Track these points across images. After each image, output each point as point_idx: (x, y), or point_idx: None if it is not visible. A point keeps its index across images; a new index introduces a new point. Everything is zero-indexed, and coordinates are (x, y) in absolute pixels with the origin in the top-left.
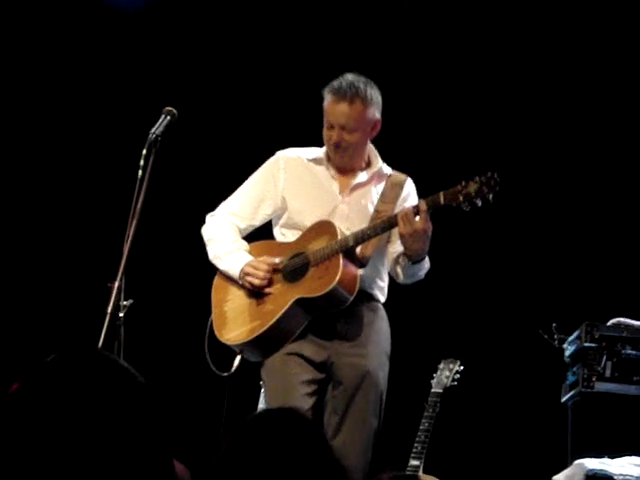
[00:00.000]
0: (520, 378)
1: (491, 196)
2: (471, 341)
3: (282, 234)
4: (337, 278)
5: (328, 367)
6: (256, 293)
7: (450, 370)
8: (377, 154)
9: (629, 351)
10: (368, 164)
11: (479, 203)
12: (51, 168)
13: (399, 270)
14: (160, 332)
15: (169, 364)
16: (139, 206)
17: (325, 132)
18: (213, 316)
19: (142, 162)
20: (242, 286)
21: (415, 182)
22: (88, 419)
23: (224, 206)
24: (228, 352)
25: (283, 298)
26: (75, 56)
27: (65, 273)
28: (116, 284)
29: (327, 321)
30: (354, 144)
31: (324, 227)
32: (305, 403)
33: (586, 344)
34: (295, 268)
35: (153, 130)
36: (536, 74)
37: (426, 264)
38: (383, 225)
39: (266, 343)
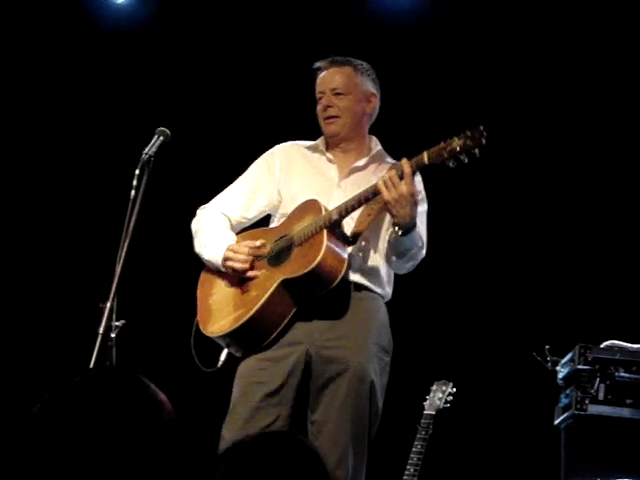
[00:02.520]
0: (513, 400)
1: (477, 151)
2: (464, 363)
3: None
4: (321, 253)
5: (307, 361)
6: (241, 281)
7: (443, 392)
8: (377, 142)
9: (622, 374)
10: (369, 152)
11: (465, 159)
12: (44, 188)
13: (390, 251)
14: (152, 353)
15: (162, 385)
16: (131, 226)
17: (317, 108)
18: (198, 311)
19: (135, 182)
20: (227, 276)
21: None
22: (110, 441)
23: (216, 198)
24: (216, 350)
25: (268, 282)
26: (68, 76)
27: (57, 294)
28: (108, 305)
29: (310, 311)
30: (345, 110)
31: (309, 206)
32: (271, 415)
33: (579, 366)
34: (279, 251)
35: (146, 150)
36: (533, 62)
37: (418, 240)
38: (366, 194)
39: (252, 332)
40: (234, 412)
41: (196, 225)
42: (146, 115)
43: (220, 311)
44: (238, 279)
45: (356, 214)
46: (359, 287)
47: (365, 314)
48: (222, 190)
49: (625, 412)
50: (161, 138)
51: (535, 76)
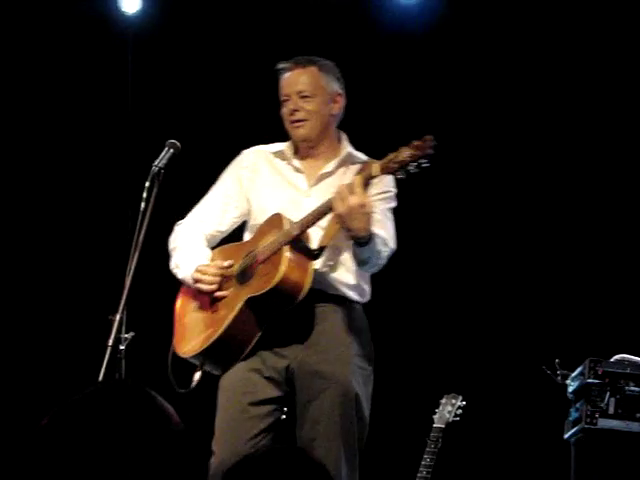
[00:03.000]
0: (523, 414)
1: (424, 162)
2: (473, 376)
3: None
4: (281, 271)
5: (289, 377)
6: (212, 300)
7: (452, 405)
8: (346, 140)
9: (633, 388)
10: (337, 154)
11: (413, 170)
12: (54, 200)
13: (353, 259)
14: (161, 365)
15: (170, 397)
16: (141, 238)
17: (282, 111)
18: (174, 332)
19: (145, 194)
20: (200, 296)
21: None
22: (118, 453)
23: (191, 213)
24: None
25: (235, 301)
26: (78, 88)
27: (66, 306)
28: (117, 317)
29: (287, 327)
30: (312, 113)
31: (273, 220)
32: (255, 427)
33: (589, 380)
34: (245, 268)
35: (156, 162)
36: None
37: (378, 247)
38: (323, 208)
39: (222, 351)
40: (220, 425)
41: (172, 243)
42: (156, 127)
43: (192, 331)
44: (210, 298)
45: (325, 223)
46: (335, 298)
47: (344, 325)
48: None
49: (635, 426)
50: (171, 150)
51: (529, 75)
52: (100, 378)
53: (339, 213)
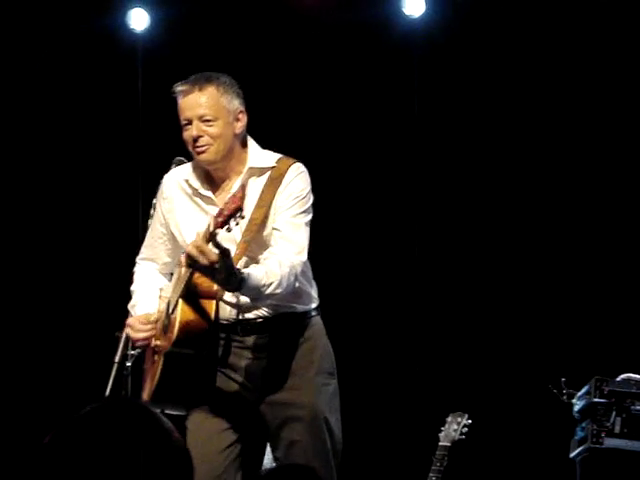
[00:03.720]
0: (528, 433)
1: (242, 213)
2: (479, 395)
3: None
4: (176, 329)
5: (256, 415)
6: (153, 349)
7: (458, 423)
8: (253, 147)
9: (638, 407)
10: (239, 168)
11: (238, 220)
12: (63, 217)
13: None
14: None
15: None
16: None
17: (184, 135)
18: None
19: (152, 211)
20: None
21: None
22: (120, 472)
23: (142, 251)
24: None
25: (160, 354)
26: (86, 107)
27: (74, 322)
28: (124, 334)
29: (242, 359)
30: (216, 137)
31: (177, 264)
32: (227, 439)
33: (595, 399)
34: (165, 316)
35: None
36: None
37: (257, 283)
38: (179, 283)
39: (167, 400)
40: (190, 440)
41: (132, 285)
42: (164, 145)
43: (145, 380)
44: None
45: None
46: (281, 317)
47: (299, 347)
48: None
49: None
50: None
51: (531, 83)
52: (106, 394)
53: (198, 271)
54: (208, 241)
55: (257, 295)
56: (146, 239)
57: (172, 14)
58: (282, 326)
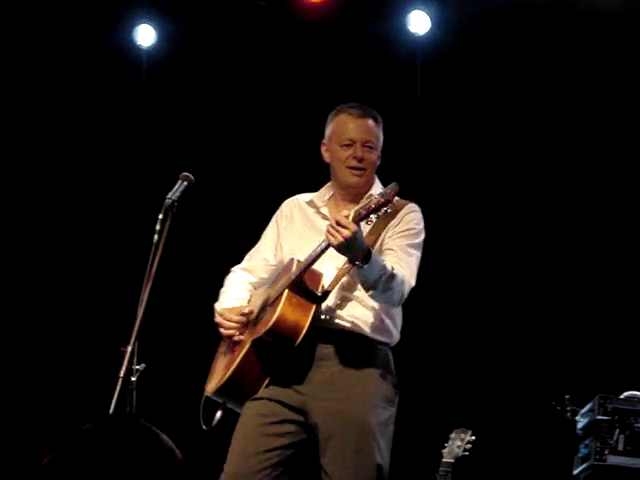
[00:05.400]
0: (532, 449)
1: (388, 209)
2: (483, 411)
3: None
4: (276, 313)
5: (306, 413)
6: (235, 343)
7: (462, 440)
8: (378, 183)
9: None
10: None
11: (380, 217)
12: (68, 230)
13: (363, 287)
14: (172, 397)
15: (181, 429)
16: (154, 270)
17: (341, 153)
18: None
19: (158, 227)
20: (228, 339)
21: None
22: None
23: (244, 260)
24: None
25: (245, 343)
26: (94, 121)
27: (79, 336)
28: (129, 348)
29: (302, 367)
30: (371, 163)
31: (288, 265)
32: (267, 444)
33: (599, 417)
34: (259, 311)
35: (170, 195)
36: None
37: (380, 268)
38: (318, 250)
39: (235, 390)
40: (234, 443)
41: (223, 287)
42: (170, 160)
43: (216, 371)
44: (233, 341)
45: (340, 264)
46: (355, 336)
47: (362, 364)
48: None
49: None
50: (185, 183)
51: (532, 95)
52: (111, 409)
53: (333, 245)
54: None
55: (376, 279)
56: (252, 252)
57: (178, 30)
58: (354, 345)
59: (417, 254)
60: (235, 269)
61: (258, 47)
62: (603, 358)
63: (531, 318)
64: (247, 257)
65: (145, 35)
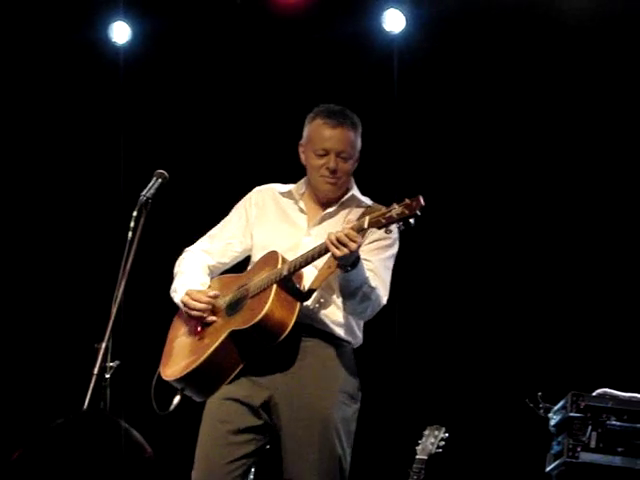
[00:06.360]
0: (505, 446)
1: (412, 220)
2: (456, 408)
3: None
4: (265, 308)
5: (270, 409)
6: (200, 327)
7: (435, 437)
8: (353, 185)
9: (614, 422)
10: (342, 195)
11: (401, 227)
12: (42, 228)
13: (342, 294)
14: (146, 394)
15: (155, 426)
16: (128, 267)
17: (315, 161)
18: (163, 354)
19: (132, 224)
20: (191, 321)
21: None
22: None
23: (200, 241)
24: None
25: (219, 332)
26: (69, 115)
27: (52, 333)
28: (103, 345)
29: (271, 358)
30: (347, 173)
31: (269, 257)
32: (233, 453)
33: (571, 414)
34: (235, 301)
35: (144, 192)
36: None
37: (365, 276)
38: (314, 253)
39: (202, 380)
40: (198, 453)
41: (176, 267)
42: (144, 157)
43: (177, 355)
44: (198, 325)
45: (320, 263)
46: (323, 334)
47: (329, 361)
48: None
49: (616, 460)
50: (159, 180)
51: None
52: (85, 406)
53: (338, 256)
54: (357, 232)
55: (359, 286)
56: (212, 233)
57: (153, 27)
58: (321, 342)
59: (391, 266)
60: (192, 249)
61: (233, 45)
62: (576, 355)
63: (504, 315)
64: (206, 239)
65: (120, 32)
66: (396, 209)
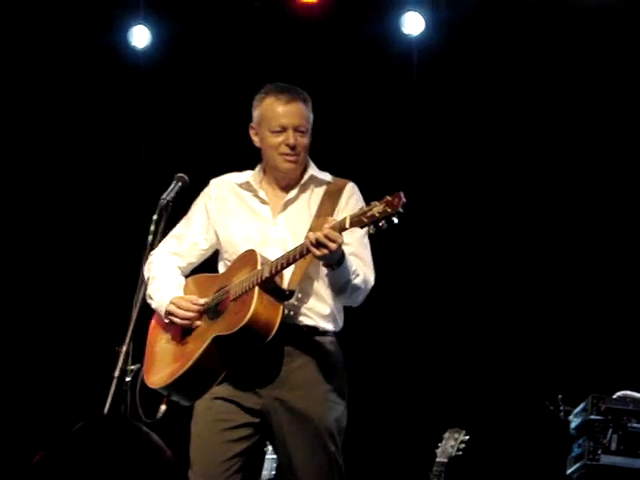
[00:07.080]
0: (525, 449)
1: (395, 218)
2: (477, 411)
3: (224, 267)
4: (250, 313)
5: (264, 414)
6: (183, 332)
7: (455, 440)
8: (311, 162)
9: (635, 424)
10: (302, 175)
11: (384, 225)
12: (63, 231)
13: (332, 290)
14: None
15: (175, 428)
16: None
17: (272, 139)
18: (145, 359)
19: (152, 227)
20: (171, 326)
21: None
22: None
23: (165, 243)
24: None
25: (203, 337)
26: (89, 122)
27: (73, 336)
28: (124, 348)
29: (258, 361)
30: (305, 148)
31: (247, 257)
32: (229, 450)
33: (592, 417)
34: (217, 304)
35: (164, 196)
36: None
37: (354, 266)
38: (295, 253)
39: (188, 386)
40: (195, 453)
41: (147, 272)
42: (165, 161)
43: (160, 362)
44: (180, 329)
45: (287, 246)
46: (310, 330)
47: (318, 361)
48: None
49: (637, 463)
50: (179, 184)
51: (525, 95)
52: (106, 409)
53: (318, 256)
54: (339, 232)
55: (348, 280)
56: (177, 233)
57: (173, 31)
58: (308, 340)
59: (368, 242)
60: (161, 252)
61: (253, 48)
62: (596, 358)
63: (525, 318)
64: (171, 240)
65: (140, 36)
66: (377, 207)
